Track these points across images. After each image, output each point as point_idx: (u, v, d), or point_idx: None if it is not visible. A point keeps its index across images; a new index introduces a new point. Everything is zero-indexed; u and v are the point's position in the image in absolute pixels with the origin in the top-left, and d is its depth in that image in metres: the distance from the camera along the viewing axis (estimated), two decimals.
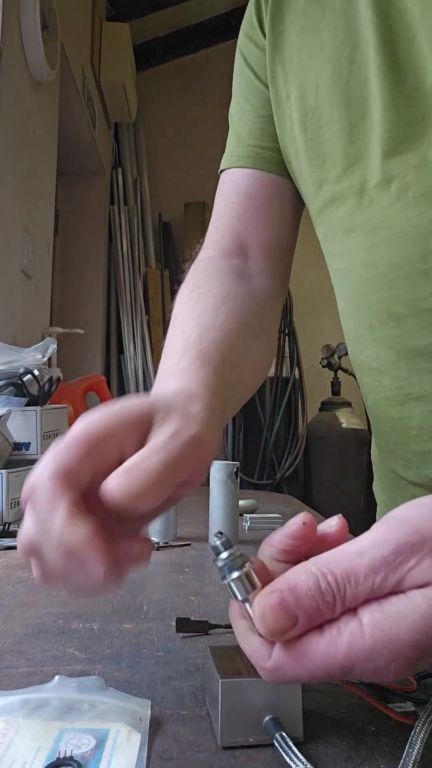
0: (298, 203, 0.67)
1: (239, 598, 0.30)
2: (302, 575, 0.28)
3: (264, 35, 0.64)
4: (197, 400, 0.38)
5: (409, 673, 0.27)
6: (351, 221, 0.57)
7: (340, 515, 0.32)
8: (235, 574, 0.30)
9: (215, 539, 0.31)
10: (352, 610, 0.27)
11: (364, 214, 0.56)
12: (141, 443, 0.33)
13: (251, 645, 0.29)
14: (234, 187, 0.66)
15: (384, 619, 0.26)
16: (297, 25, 0.60)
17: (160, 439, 0.33)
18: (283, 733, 0.30)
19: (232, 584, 0.30)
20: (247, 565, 0.30)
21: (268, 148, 0.65)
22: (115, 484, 0.31)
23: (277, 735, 0.30)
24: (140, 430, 0.34)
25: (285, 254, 0.68)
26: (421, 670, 0.30)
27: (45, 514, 0.31)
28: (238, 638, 0.30)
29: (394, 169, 0.53)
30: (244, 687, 0.31)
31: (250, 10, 0.67)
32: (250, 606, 0.29)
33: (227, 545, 0.30)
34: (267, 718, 0.31)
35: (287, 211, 0.66)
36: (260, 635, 0.29)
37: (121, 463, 0.32)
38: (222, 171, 0.68)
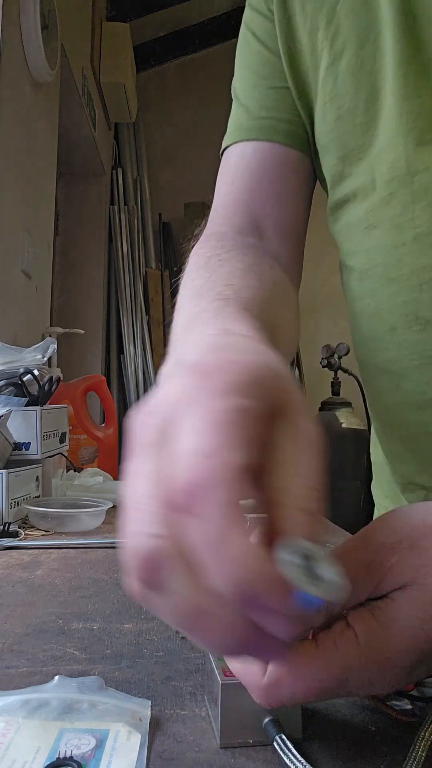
0: (310, 179, 0.61)
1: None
2: None
3: (270, 9, 0.59)
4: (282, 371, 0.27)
5: (405, 682, 0.27)
6: (373, 217, 0.54)
7: None
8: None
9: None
10: (344, 620, 0.27)
11: (387, 211, 0.52)
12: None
13: (244, 664, 0.29)
14: (243, 162, 0.59)
15: (377, 627, 0.26)
16: (309, 7, 0.55)
17: (313, 466, 0.24)
18: (283, 736, 0.30)
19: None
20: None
21: (284, 119, 0.58)
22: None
23: (276, 737, 0.30)
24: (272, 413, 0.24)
25: (301, 237, 0.62)
26: (417, 679, 0.29)
27: (221, 526, 0.21)
28: (228, 661, 0.30)
29: (419, 162, 0.50)
30: (244, 688, 0.31)
31: None
32: None
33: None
34: (266, 719, 0.31)
35: (304, 190, 0.60)
36: None
37: None
38: (226, 148, 0.61)
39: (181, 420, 0.22)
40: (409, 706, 0.34)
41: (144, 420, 0.24)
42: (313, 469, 0.24)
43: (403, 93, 0.49)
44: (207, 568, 0.21)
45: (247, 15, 0.62)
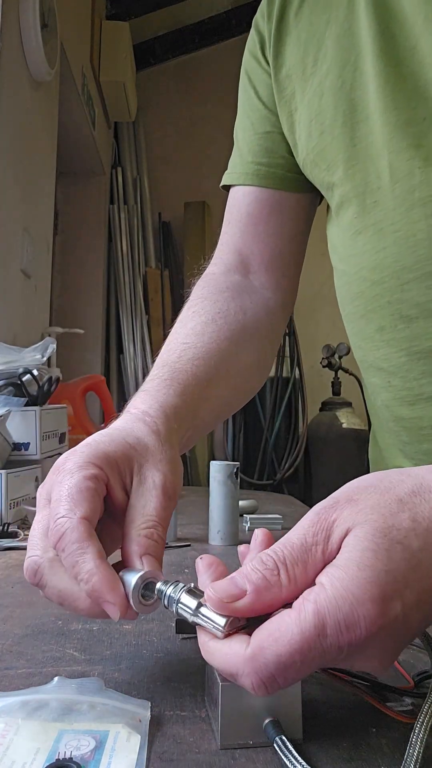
0: (300, 215, 0.69)
1: (192, 607, 0.32)
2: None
3: (265, 54, 0.65)
4: (157, 430, 0.44)
5: (381, 620, 0.27)
6: (359, 224, 0.57)
7: (261, 529, 0.37)
8: (181, 593, 0.33)
9: (154, 589, 0.35)
10: (311, 584, 0.30)
11: (370, 217, 0.56)
12: (124, 484, 0.40)
13: (221, 649, 0.30)
14: (236, 204, 0.69)
15: (338, 571, 0.28)
16: (303, 36, 0.61)
17: (150, 504, 0.39)
18: (283, 737, 0.30)
19: (182, 600, 0.33)
20: (186, 586, 0.34)
21: (265, 163, 0.67)
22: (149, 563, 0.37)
23: (277, 738, 0.30)
24: (123, 474, 0.40)
25: (288, 267, 0.70)
26: (404, 636, 0.29)
27: (76, 559, 0.35)
28: (210, 659, 0.31)
29: (398, 171, 0.53)
30: (243, 690, 0.31)
31: (253, 29, 0.68)
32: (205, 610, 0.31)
33: (159, 582, 0.35)
34: (267, 721, 0.31)
35: (288, 225, 0.68)
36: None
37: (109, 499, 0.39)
38: (225, 186, 0.71)
39: (53, 491, 0.38)
40: (410, 707, 0.34)
41: (41, 489, 0.40)
42: (151, 508, 0.38)
43: (382, 106, 0.53)
44: (73, 579, 0.35)
45: (245, 59, 0.70)
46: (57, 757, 0.29)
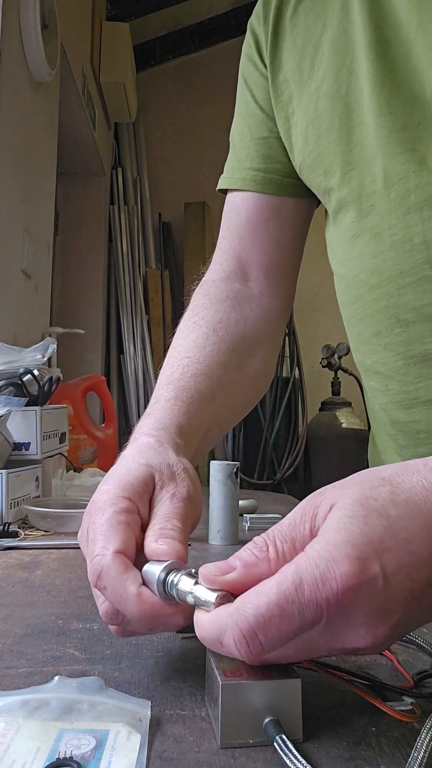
0: (298, 219, 0.69)
1: (187, 588, 0.34)
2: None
3: (261, 58, 0.65)
4: (170, 448, 0.46)
5: (365, 587, 0.28)
6: (356, 228, 0.58)
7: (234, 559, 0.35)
8: (180, 577, 0.35)
9: (162, 580, 0.35)
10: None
11: (367, 221, 0.56)
12: (150, 504, 0.41)
13: (208, 615, 0.32)
14: (235, 209, 0.69)
15: (318, 538, 0.30)
16: (299, 41, 0.61)
17: (163, 508, 0.40)
18: (283, 736, 0.30)
19: (179, 584, 0.34)
20: (181, 570, 0.35)
21: (263, 169, 0.67)
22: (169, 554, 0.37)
23: (277, 737, 0.30)
24: (149, 496, 0.41)
25: (286, 271, 0.70)
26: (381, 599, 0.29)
27: (118, 593, 0.35)
28: (200, 631, 0.32)
29: (393, 175, 0.53)
30: (244, 689, 0.31)
31: (248, 32, 0.68)
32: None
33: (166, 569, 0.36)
34: (267, 720, 0.31)
35: (286, 231, 0.68)
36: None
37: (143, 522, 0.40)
38: (221, 190, 0.71)
39: (88, 533, 0.39)
40: (410, 706, 0.34)
41: (80, 536, 0.41)
42: (164, 509, 0.40)
43: (377, 110, 0.53)
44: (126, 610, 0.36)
45: (242, 62, 0.69)
46: (57, 756, 0.29)
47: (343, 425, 2.91)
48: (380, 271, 0.56)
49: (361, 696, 0.34)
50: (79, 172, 3.02)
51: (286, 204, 0.67)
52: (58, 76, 2.05)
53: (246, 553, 0.32)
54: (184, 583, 0.34)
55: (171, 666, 0.40)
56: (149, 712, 0.34)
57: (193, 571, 0.35)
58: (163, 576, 0.35)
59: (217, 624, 0.31)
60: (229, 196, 0.70)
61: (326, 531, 0.30)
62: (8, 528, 0.81)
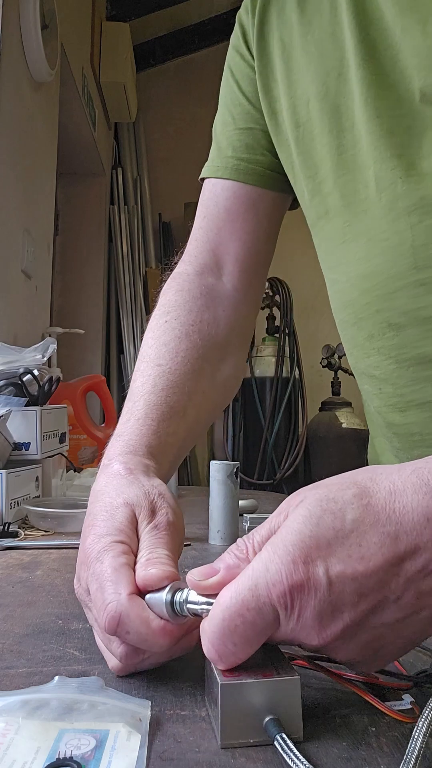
0: (274, 214, 0.69)
1: (181, 600, 0.35)
2: None
3: (249, 50, 0.65)
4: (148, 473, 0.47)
5: (310, 589, 0.29)
6: (347, 232, 0.57)
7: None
8: (184, 594, 0.36)
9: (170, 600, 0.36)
10: None
11: (358, 226, 0.56)
12: (137, 535, 0.42)
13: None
14: (213, 198, 0.68)
15: (273, 537, 0.32)
16: (286, 38, 0.61)
17: (145, 541, 0.41)
18: (284, 735, 0.30)
19: (188, 599, 0.35)
20: (184, 588, 0.36)
21: (245, 159, 0.66)
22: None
23: (277, 736, 0.30)
24: (136, 533, 0.42)
25: (261, 266, 0.70)
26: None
27: (144, 632, 0.35)
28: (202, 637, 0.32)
29: (383, 181, 0.53)
30: (243, 688, 0.31)
31: (236, 24, 0.68)
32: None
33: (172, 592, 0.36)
34: (267, 719, 0.31)
35: (263, 223, 0.68)
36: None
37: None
38: (202, 179, 0.70)
39: (89, 583, 0.39)
40: (409, 706, 0.34)
41: (77, 587, 0.42)
42: (155, 543, 0.40)
43: (367, 116, 0.53)
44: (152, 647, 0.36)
45: (229, 53, 0.69)
46: (57, 756, 0.29)
47: (343, 425, 2.91)
48: (372, 275, 0.56)
49: (360, 696, 0.34)
50: (79, 172, 3.02)
51: (266, 197, 0.67)
52: (58, 77, 2.05)
53: (228, 555, 0.34)
54: (193, 596, 0.35)
55: (171, 666, 0.40)
56: (149, 712, 0.34)
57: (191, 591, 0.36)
58: (170, 598, 0.36)
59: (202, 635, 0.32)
60: (209, 185, 0.70)
61: (282, 530, 0.31)
62: (8, 528, 0.81)
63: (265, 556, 0.31)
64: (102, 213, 3.19)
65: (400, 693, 0.35)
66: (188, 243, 0.71)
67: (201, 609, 0.34)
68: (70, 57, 2.26)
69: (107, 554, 0.38)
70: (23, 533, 0.80)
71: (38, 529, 0.84)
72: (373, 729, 0.33)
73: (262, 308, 3.14)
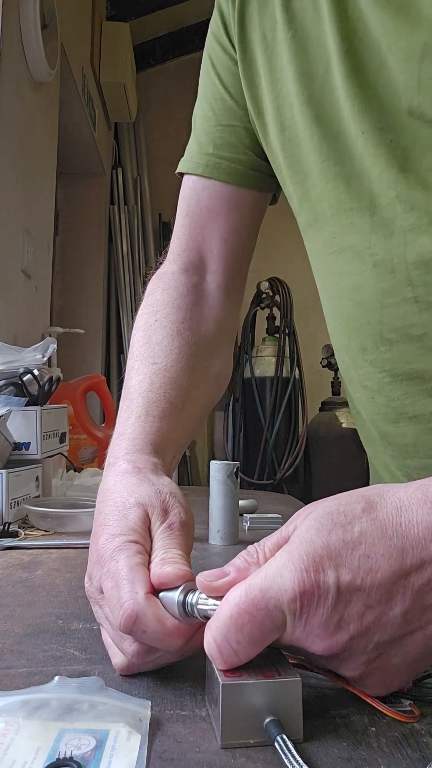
0: (257, 211, 0.67)
1: (193, 601, 0.36)
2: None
3: (231, 41, 0.63)
4: (154, 474, 0.47)
5: (319, 596, 0.30)
6: (337, 243, 0.56)
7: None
8: (195, 596, 0.36)
9: (181, 600, 0.36)
10: None
11: (347, 238, 0.55)
12: (150, 535, 0.42)
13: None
14: (195, 196, 0.67)
15: (285, 546, 0.32)
16: (269, 35, 0.58)
17: (159, 541, 0.41)
18: (284, 736, 0.30)
19: (197, 603, 0.35)
20: (196, 590, 0.36)
21: (227, 158, 0.64)
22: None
23: (278, 737, 0.30)
24: (149, 533, 0.42)
25: (243, 263, 0.69)
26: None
27: (160, 632, 0.36)
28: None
29: (376, 197, 0.52)
30: (244, 689, 0.31)
31: (216, 10, 0.64)
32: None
33: (184, 593, 0.36)
34: (267, 720, 0.31)
35: (246, 222, 0.67)
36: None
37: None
38: (181, 174, 0.68)
39: (103, 582, 0.39)
40: (408, 707, 0.34)
41: (89, 586, 0.42)
42: (169, 543, 0.40)
43: (350, 130, 0.52)
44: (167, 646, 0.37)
45: (209, 41, 0.66)
46: (57, 757, 0.29)
47: (343, 425, 2.91)
48: (362, 289, 0.55)
49: (360, 697, 0.34)
50: (79, 172, 3.02)
51: (249, 196, 0.66)
52: (58, 76, 2.05)
53: (239, 559, 0.34)
54: (203, 598, 0.35)
55: (171, 666, 0.40)
56: (149, 712, 0.34)
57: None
58: (182, 598, 0.36)
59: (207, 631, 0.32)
60: (188, 181, 0.67)
61: (294, 539, 0.32)
62: (8, 528, 0.81)
63: (279, 562, 0.31)
64: (102, 213, 3.19)
65: (399, 695, 0.35)
66: (172, 241, 0.70)
67: (210, 610, 0.34)
68: (70, 57, 2.26)
69: (122, 553, 0.38)
70: (23, 533, 0.80)
71: (38, 529, 0.84)
72: (373, 729, 0.33)
73: (262, 308, 3.14)
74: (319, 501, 0.34)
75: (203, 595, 0.35)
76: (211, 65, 0.66)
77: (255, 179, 0.65)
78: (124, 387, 0.57)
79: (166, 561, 0.38)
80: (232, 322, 0.70)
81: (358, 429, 0.69)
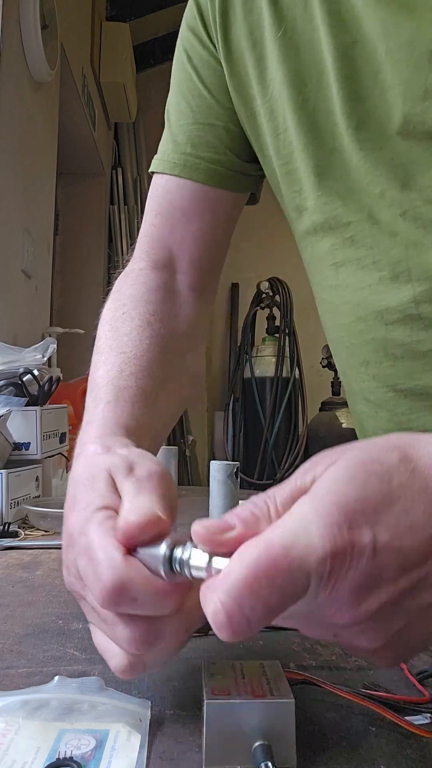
0: (234, 212, 0.64)
1: (204, 563, 0.28)
2: None
3: (209, 35, 0.58)
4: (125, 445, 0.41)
5: (353, 557, 0.25)
6: (338, 256, 0.54)
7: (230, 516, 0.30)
8: (187, 551, 0.29)
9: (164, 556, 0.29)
10: None
11: (349, 252, 0.53)
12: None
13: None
14: (167, 196, 0.63)
15: (308, 496, 0.27)
16: (255, 33, 0.55)
17: (134, 487, 0.35)
18: (270, 763, 0.27)
19: (190, 559, 0.29)
20: (186, 543, 0.29)
21: (205, 158, 0.61)
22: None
23: (263, 764, 0.27)
24: (117, 492, 0.36)
25: (215, 266, 0.66)
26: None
27: (153, 597, 0.30)
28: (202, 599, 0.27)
29: (377, 213, 0.50)
30: (232, 709, 0.29)
31: (192, 2, 0.60)
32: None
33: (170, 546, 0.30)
34: (256, 744, 0.28)
35: (220, 224, 0.64)
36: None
37: None
38: (154, 172, 0.65)
39: (78, 562, 0.33)
40: (428, 720, 0.33)
41: (66, 576, 0.36)
42: (134, 490, 0.34)
43: (345, 145, 0.50)
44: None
45: (183, 33, 0.62)
46: (57, 757, 0.29)
47: (343, 425, 2.91)
48: (366, 304, 0.53)
49: (377, 711, 0.32)
50: (79, 172, 3.02)
51: (225, 197, 0.62)
52: (57, 77, 2.05)
53: (244, 510, 0.28)
54: (198, 553, 0.28)
55: (171, 666, 0.40)
56: (149, 712, 0.34)
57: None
58: (168, 553, 0.29)
59: (208, 591, 0.27)
60: (160, 179, 0.64)
61: (319, 489, 0.27)
62: (8, 528, 0.81)
63: (302, 515, 0.26)
64: (102, 213, 3.19)
65: (415, 707, 0.34)
66: (139, 239, 0.65)
67: (210, 569, 0.28)
68: (70, 57, 2.26)
69: (91, 524, 0.32)
70: (23, 533, 0.80)
71: (38, 529, 0.84)
72: (373, 729, 0.32)
73: (262, 308, 3.14)
74: (341, 447, 0.29)
75: (196, 550, 0.28)
76: (187, 59, 0.61)
77: (233, 180, 0.62)
78: (89, 382, 0.52)
79: (132, 510, 0.32)
80: (204, 322, 0.66)
81: (360, 438, 0.68)
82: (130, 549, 0.31)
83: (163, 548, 0.29)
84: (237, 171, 0.62)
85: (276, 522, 0.27)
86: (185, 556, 0.29)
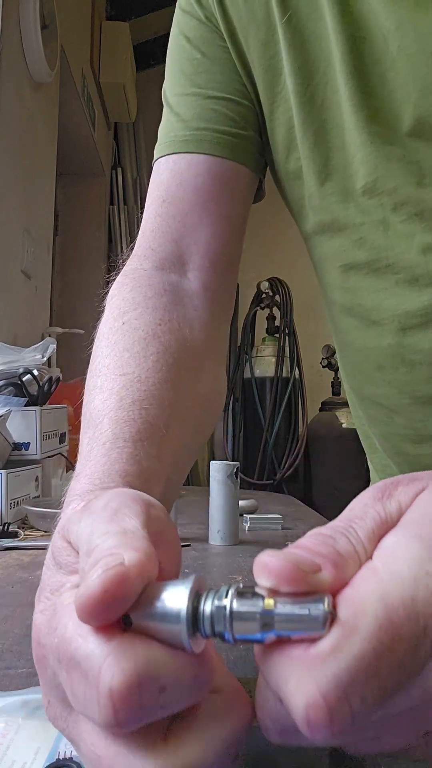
0: (248, 199, 0.56)
1: (258, 609, 0.20)
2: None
3: (206, 16, 0.54)
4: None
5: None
6: (348, 257, 0.51)
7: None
8: (223, 597, 0.21)
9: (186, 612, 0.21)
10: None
11: (360, 254, 0.50)
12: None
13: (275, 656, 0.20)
14: (176, 178, 0.53)
15: (405, 533, 0.22)
16: (258, 20, 0.51)
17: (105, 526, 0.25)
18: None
19: (234, 605, 0.20)
20: (211, 589, 0.22)
21: (225, 132, 0.52)
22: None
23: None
24: None
25: (232, 262, 0.56)
26: None
27: (184, 678, 0.21)
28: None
29: (390, 217, 0.48)
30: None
31: None
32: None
33: (195, 601, 0.21)
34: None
35: (238, 208, 0.54)
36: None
37: None
38: (157, 159, 0.55)
39: (57, 672, 0.23)
40: None
41: (46, 706, 0.26)
42: (99, 528, 0.25)
43: (354, 142, 0.48)
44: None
45: (179, 17, 0.57)
46: (57, 757, 0.29)
47: (343, 425, 2.91)
48: (382, 308, 0.50)
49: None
50: (79, 172, 3.02)
51: (245, 177, 0.54)
52: (57, 77, 2.05)
53: (325, 546, 0.21)
54: (247, 602, 0.20)
55: None
56: None
57: (239, 585, 0.21)
58: (190, 607, 0.20)
59: (285, 673, 0.19)
60: (166, 162, 0.54)
61: (419, 520, 0.22)
62: (8, 528, 0.81)
63: (414, 554, 0.20)
64: (102, 213, 3.19)
65: None
66: (140, 235, 0.56)
67: (291, 628, 0.19)
68: (69, 57, 2.26)
69: (65, 610, 0.23)
70: (23, 533, 0.80)
71: (38, 529, 0.84)
72: None
73: (262, 308, 3.14)
74: (426, 473, 0.24)
75: (245, 599, 0.20)
76: (186, 41, 0.55)
77: (253, 157, 0.54)
78: (83, 414, 0.41)
79: (94, 561, 0.22)
80: (222, 332, 0.56)
81: (362, 440, 0.66)
82: (122, 619, 0.21)
83: (182, 601, 0.20)
84: (256, 149, 0.54)
85: (372, 565, 0.21)
86: (229, 606, 0.20)
